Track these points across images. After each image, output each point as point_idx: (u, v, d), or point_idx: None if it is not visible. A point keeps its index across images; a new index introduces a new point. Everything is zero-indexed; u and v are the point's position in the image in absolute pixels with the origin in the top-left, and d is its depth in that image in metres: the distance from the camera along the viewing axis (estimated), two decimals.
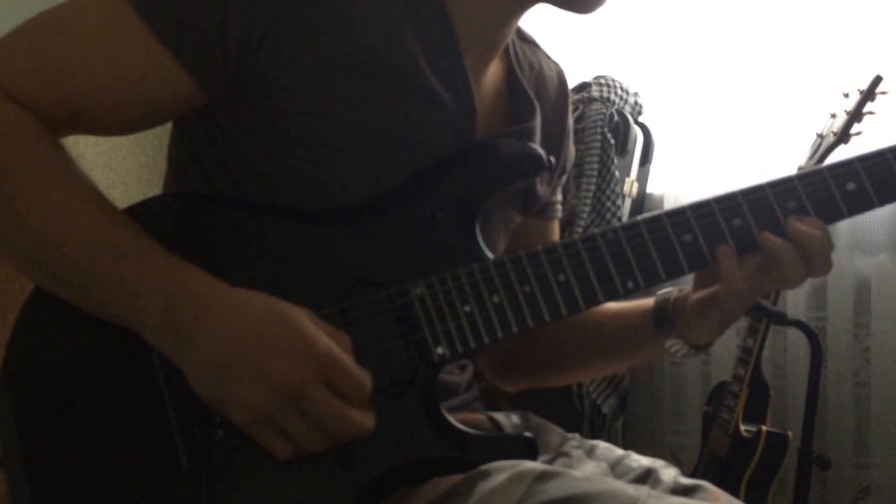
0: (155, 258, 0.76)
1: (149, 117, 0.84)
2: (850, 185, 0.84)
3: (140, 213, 0.81)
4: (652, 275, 0.83)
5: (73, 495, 0.77)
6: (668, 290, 0.97)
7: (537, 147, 0.89)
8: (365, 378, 0.75)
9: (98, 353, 0.79)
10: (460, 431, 0.81)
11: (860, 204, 0.84)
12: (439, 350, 0.80)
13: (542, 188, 1.04)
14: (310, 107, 0.82)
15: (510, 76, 1.00)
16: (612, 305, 1.01)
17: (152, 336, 0.76)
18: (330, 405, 0.74)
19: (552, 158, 0.90)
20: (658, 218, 0.84)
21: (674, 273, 0.83)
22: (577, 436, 1.05)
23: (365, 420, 0.76)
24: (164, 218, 0.82)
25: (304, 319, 0.75)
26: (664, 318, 0.95)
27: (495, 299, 0.81)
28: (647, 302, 0.99)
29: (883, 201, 0.85)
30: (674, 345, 0.94)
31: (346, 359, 0.75)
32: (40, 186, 0.77)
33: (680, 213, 0.84)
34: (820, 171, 0.85)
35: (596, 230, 0.84)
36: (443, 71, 0.88)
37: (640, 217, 0.84)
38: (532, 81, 1.02)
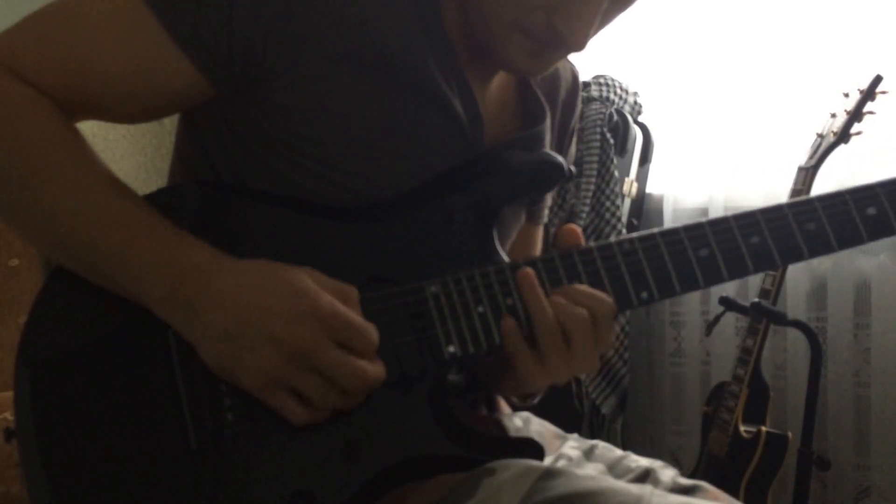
0: (162, 235, 0.77)
1: (159, 108, 0.86)
2: (871, 210, 0.83)
3: (161, 200, 0.82)
4: (667, 287, 0.83)
5: (82, 467, 0.77)
6: None
7: (559, 157, 0.89)
8: (371, 330, 0.75)
9: (115, 331, 0.80)
10: (468, 430, 0.81)
11: (880, 229, 0.84)
12: (451, 349, 0.80)
13: None
14: (313, 103, 0.82)
15: (521, 78, 0.99)
16: None
17: (161, 310, 0.77)
18: (340, 359, 0.74)
19: (573, 168, 0.91)
20: (675, 231, 0.84)
21: (689, 286, 0.83)
22: (575, 435, 1.05)
23: (377, 370, 0.76)
24: (185, 205, 0.83)
25: (305, 279, 0.75)
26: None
27: (509, 301, 0.81)
28: None
29: None
30: None
31: (351, 314, 0.75)
32: (55, 165, 0.79)
33: (697, 228, 0.84)
34: (840, 195, 0.84)
35: (612, 239, 0.84)
36: (448, 76, 0.88)
37: (656, 230, 0.84)
38: (546, 80, 1.02)
